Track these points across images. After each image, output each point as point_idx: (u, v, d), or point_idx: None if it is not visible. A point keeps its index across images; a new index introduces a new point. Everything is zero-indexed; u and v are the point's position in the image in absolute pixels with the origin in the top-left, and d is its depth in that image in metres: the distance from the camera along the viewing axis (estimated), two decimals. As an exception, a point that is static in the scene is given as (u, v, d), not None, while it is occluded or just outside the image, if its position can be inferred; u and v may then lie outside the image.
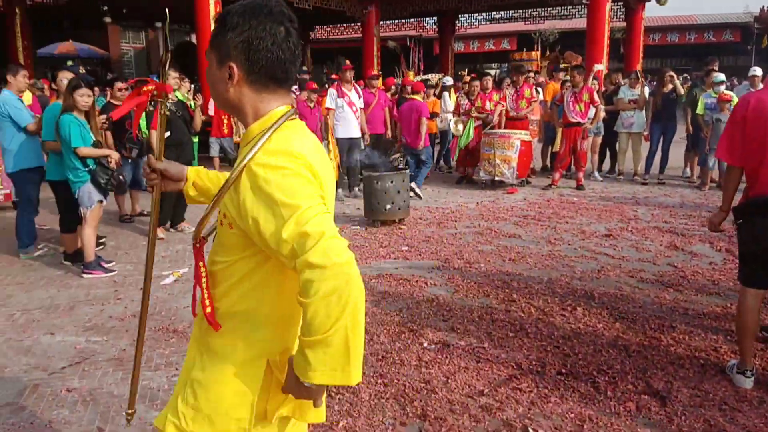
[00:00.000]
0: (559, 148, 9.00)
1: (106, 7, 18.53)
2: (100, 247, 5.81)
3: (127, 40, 23.51)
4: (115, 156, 5.03)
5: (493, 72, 19.07)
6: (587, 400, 3.03)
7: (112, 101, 6.85)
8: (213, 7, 12.19)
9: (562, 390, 3.12)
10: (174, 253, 5.78)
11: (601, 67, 13.42)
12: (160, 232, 6.29)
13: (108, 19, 19.55)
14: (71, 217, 5.28)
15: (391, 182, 6.69)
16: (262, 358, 1.45)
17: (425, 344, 3.66)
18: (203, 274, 1.51)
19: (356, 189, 8.46)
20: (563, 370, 3.31)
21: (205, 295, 1.51)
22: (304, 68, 12.85)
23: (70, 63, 20.48)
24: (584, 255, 5.55)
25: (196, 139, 8.79)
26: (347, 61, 8.73)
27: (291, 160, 1.33)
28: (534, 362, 3.41)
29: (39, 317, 4.21)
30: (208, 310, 1.51)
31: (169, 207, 6.27)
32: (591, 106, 8.64)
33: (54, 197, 5.44)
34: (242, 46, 1.38)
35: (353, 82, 8.41)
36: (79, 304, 4.48)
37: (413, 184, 8.72)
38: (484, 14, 21.73)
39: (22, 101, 5.76)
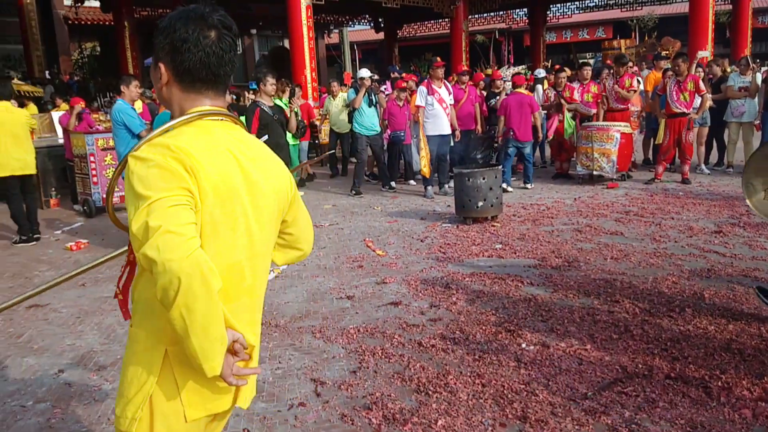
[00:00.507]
0: (662, 140, 8.54)
1: (204, 16, 19.55)
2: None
3: (225, 47, 24.59)
4: None
5: (586, 62, 18.36)
6: (698, 406, 2.86)
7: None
8: (305, 13, 12.54)
9: (671, 395, 2.97)
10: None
11: (705, 53, 12.63)
12: None
13: (207, 28, 20.61)
14: None
15: (483, 179, 6.61)
16: (161, 346, 1.44)
17: (523, 345, 3.60)
18: (128, 261, 1.56)
19: (446, 186, 8.43)
20: (672, 374, 3.15)
21: (121, 283, 1.57)
22: (397, 67, 12.91)
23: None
24: (692, 253, 5.25)
25: (295, 143, 9.07)
26: (438, 58, 8.71)
27: (162, 152, 1.34)
28: (640, 365, 3.26)
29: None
30: (120, 297, 1.58)
31: None
32: (696, 95, 8.14)
33: None
34: (168, 47, 1.46)
35: (443, 78, 8.37)
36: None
37: (529, 185, 8.61)
38: (577, 2, 20.96)
39: (134, 109, 6.19)
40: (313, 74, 12.82)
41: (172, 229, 1.25)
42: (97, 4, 17.51)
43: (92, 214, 8.10)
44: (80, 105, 8.78)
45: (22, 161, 6.62)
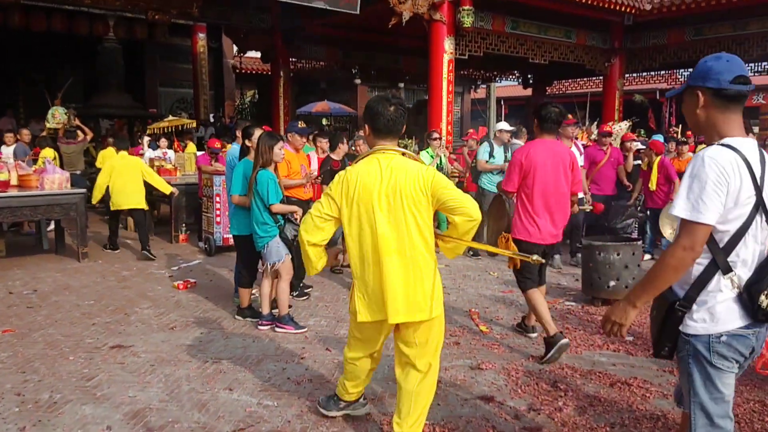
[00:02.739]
0: None
1: (356, 70, 20.26)
2: (305, 297, 5.84)
3: (373, 99, 25.35)
4: (300, 212, 4.98)
5: None
6: None
7: (332, 156, 7.04)
8: (446, 67, 12.34)
9: None
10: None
11: None
12: None
13: (358, 81, 21.35)
14: (250, 273, 5.39)
15: (617, 254, 5.71)
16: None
17: (639, 485, 2.76)
18: None
19: (579, 255, 7.51)
20: None
21: None
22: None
23: (324, 121, 22.80)
24: None
25: None
26: (569, 116, 7.90)
27: (337, 175, 2.93)
28: None
29: (226, 368, 4.20)
30: None
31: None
32: None
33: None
34: (369, 115, 2.88)
35: (573, 138, 7.55)
36: (267, 358, 4.41)
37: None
38: (764, 63, 17.93)
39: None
40: (449, 127, 12.49)
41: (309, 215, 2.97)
42: (259, 54, 18.76)
43: (212, 252, 8.23)
44: (218, 145, 9.16)
45: (132, 198, 8.07)
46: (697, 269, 2.06)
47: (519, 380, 3.97)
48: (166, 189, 8.38)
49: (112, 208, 8.17)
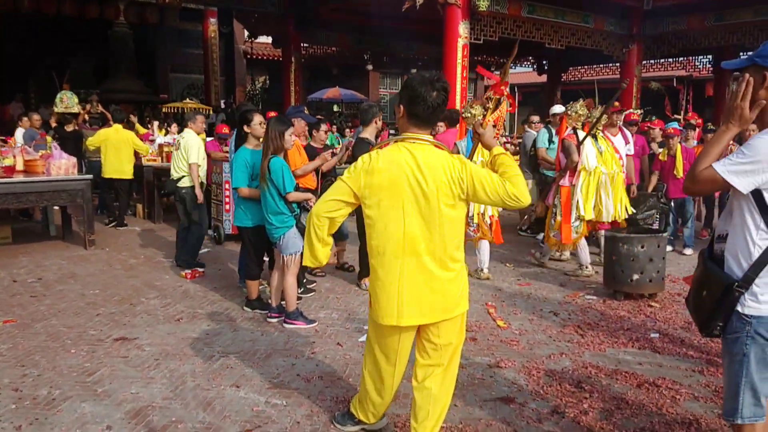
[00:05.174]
0: None
1: (368, 56, 19.96)
2: (310, 293, 5.64)
3: (385, 86, 25.12)
4: (314, 199, 4.76)
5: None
6: None
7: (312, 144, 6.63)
8: (460, 52, 12.06)
9: None
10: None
11: None
12: None
13: (370, 67, 21.05)
14: (258, 264, 5.19)
15: (642, 247, 5.47)
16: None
17: (675, 499, 2.55)
18: None
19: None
20: None
21: None
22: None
23: (335, 107, 22.55)
24: None
25: None
26: (616, 103, 7.51)
27: (361, 159, 2.62)
28: None
29: (234, 364, 4.03)
30: None
31: None
32: None
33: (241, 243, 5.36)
34: (407, 97, 2.56)
35: (621, 126, 7.22)
36: (276, 353, 4.23)
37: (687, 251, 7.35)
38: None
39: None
40: (463, 114, 12.23)
41: (316, 207, 2.73)
42: (270, 40, 18.49)
43: (221, 240, 8.06)
44: (225, 130, 8.98)
45: (119, 169, 8.99)
46: (757, 250, 2.08)
47: (540, 380, 3.77)
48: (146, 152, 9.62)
49: (103, 175, 9.03)
